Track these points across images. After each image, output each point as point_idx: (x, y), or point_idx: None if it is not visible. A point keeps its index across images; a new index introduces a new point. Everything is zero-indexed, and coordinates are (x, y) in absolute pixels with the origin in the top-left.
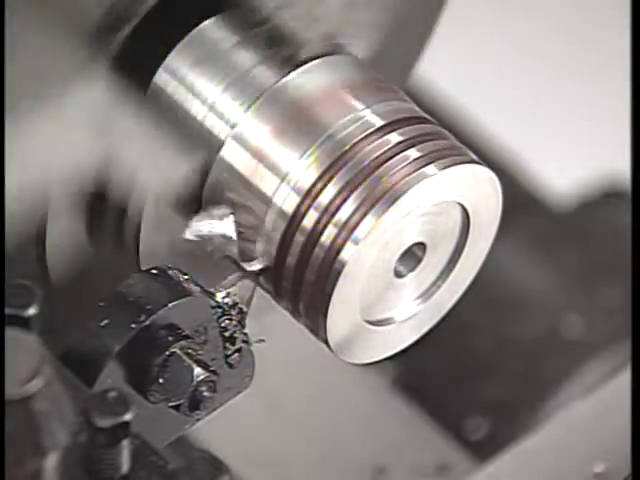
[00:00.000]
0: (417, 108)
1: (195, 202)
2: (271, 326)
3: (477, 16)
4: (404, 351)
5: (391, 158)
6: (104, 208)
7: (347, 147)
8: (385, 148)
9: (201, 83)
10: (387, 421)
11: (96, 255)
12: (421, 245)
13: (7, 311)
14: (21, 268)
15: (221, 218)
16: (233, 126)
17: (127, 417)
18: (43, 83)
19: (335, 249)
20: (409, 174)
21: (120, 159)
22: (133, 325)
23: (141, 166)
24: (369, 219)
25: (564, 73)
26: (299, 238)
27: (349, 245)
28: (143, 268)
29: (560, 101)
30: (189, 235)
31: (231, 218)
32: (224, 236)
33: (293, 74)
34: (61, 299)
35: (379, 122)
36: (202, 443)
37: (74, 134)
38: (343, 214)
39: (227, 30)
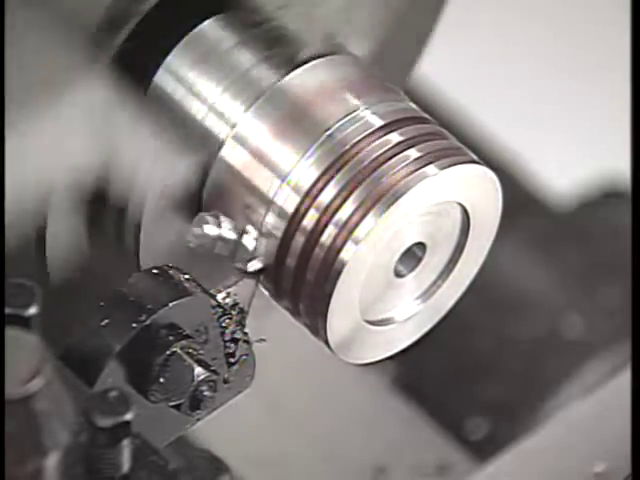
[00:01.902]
0: (417, 108)
1: (195, 202)
2: (271, 326)
3: (477, 16)
4: (404, 351)
5: (391, 158)
6: (104, 208)
7: (347, 147)
8: (385, 148)
9: (201, 83)
10: (387, 421)
11: (96, 255)
12: (421, 245)
13: (7, 311)
14: (21, 268)
15: (219, 223)
16: (233, 126)
17: (128, 417)
18: (43, 84)
19: (335, 249)
20: (409, 174)
21: (120, 159)
22: (134, 324)
23: (141, 166)
24: (369, 219)
25: (564, 73)
26: (299, 238)
27: (349, 245)
28: (143, 268)
29: (560, 101)
30: (191, 240)
31: (228, 222)
32: (223, 239)
33: (293, 74)
34: (61, 299)
35: (379, 122)
36: (202, 443)
37: (74, 134)
38: (343, 214)
39: (227, 30)
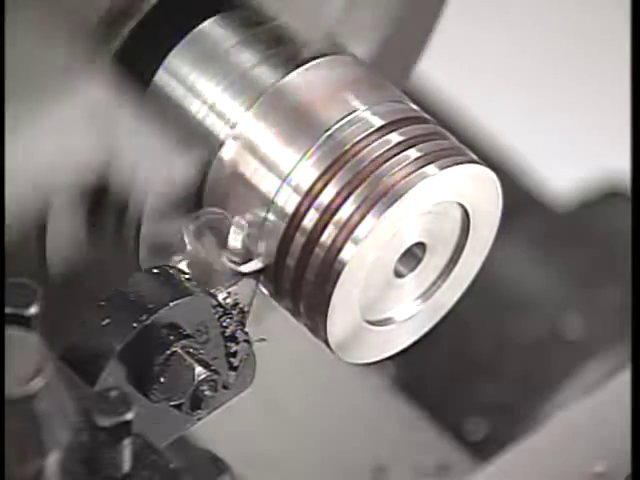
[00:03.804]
0: (417, 108)
1: (195, 202)
2: (271, 326)
3: (477, 16)
4: (404, 351)
5: (391, 158)
6: (105, 207)
7: (347, 147)
8: (385, 148)
9: (201, 83)
10: (387, 421)
11: (96, 254)
12: (421, 245)
13: (8, 310)
14: (22, 267)
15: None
16: (233, 126)
17: (128, 416)
18: (43, 81)
19: (335, 249)
20: (409, 174)
21: (121, 157)
22: (134, 324)
23: (142, 165)
24: (369, 219)
25: (564, 73)
26: (299, 238)
27: (349, 245)
28: (144, 267)
29: (560, 101)
30: (187, 240)
31: (228, 224)
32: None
33: (293, 74)
34: (61, 298)
35: (379, 122)
36: (202, 442)
37: (75, 132)
38: (343, 214)
39: (227, 30)
